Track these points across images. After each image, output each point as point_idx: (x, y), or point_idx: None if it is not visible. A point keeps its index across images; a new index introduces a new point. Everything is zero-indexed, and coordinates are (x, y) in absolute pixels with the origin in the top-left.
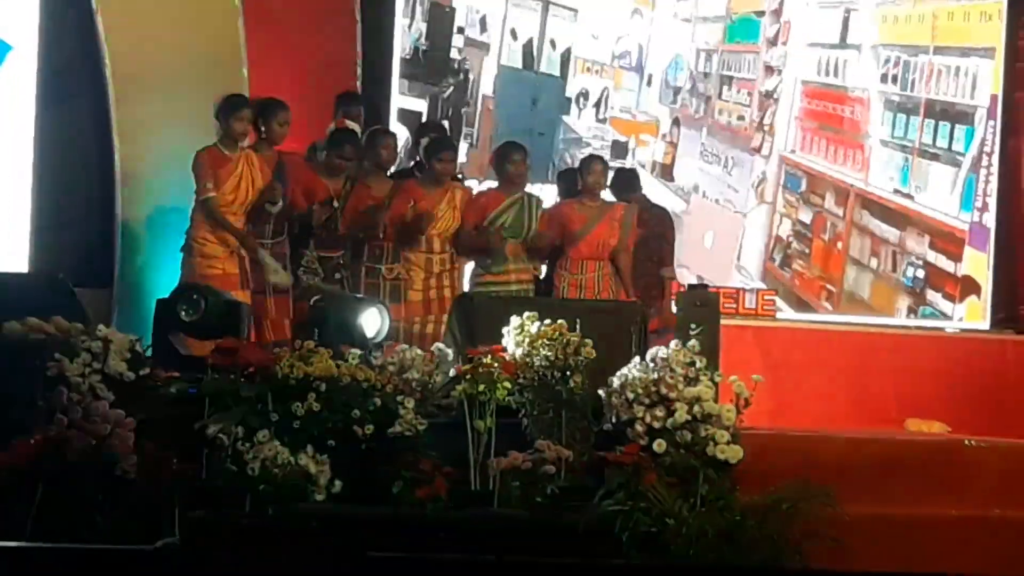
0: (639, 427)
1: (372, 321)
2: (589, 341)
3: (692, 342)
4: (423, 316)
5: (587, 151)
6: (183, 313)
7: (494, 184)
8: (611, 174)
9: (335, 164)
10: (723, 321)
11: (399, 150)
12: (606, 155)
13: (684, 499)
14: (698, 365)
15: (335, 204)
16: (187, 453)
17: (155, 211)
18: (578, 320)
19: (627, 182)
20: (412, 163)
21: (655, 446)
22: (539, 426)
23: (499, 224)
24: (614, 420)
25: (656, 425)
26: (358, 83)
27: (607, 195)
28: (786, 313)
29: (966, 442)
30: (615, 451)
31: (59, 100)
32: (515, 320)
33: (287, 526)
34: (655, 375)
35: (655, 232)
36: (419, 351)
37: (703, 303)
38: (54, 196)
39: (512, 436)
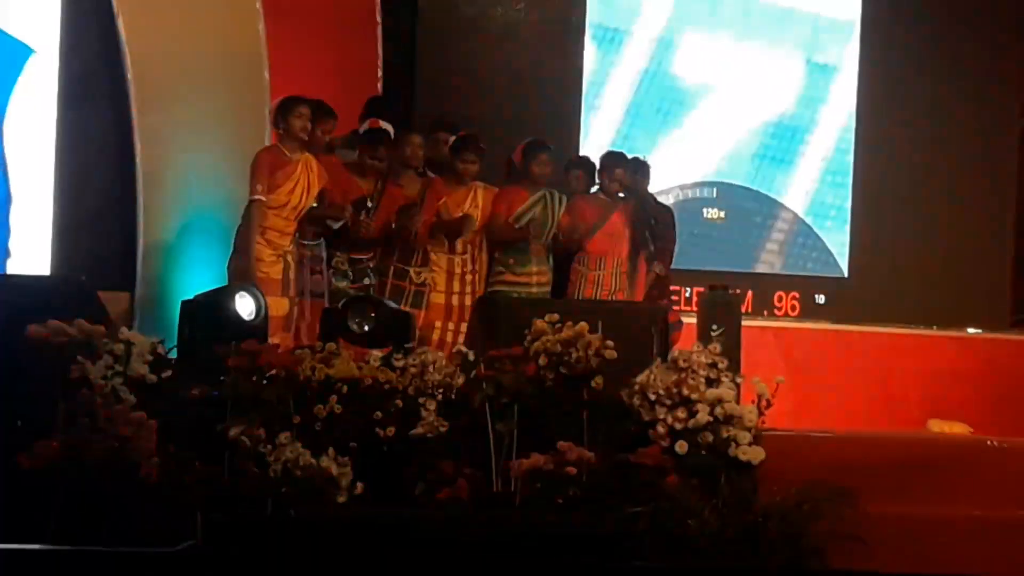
0: (661, 428)
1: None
2: (611, 343)
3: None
4: (443, 322)
5: None
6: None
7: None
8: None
9: (368, 164)
10: (744, 322)
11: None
12: None
13: (706, 500)
14: (720, 366)
15: (368, 204)
16: (209, 455)
17: (177, 214)
18: (600, 321)
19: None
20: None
21: (677, 447)
22: (561, 428)
23: (524, 221)
24: (636, 421)
25: (678, 426)
26: (379, 86)
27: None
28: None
29: (988, 442)
30: (637, 452)
31: (80, 104)
32: (537, 322)
33: (309, 528)
34: (676, 376)
35: (658, 231)
36: (440, 353)
37: (724, 304)
38: (76, 199)
39: (534, 438)
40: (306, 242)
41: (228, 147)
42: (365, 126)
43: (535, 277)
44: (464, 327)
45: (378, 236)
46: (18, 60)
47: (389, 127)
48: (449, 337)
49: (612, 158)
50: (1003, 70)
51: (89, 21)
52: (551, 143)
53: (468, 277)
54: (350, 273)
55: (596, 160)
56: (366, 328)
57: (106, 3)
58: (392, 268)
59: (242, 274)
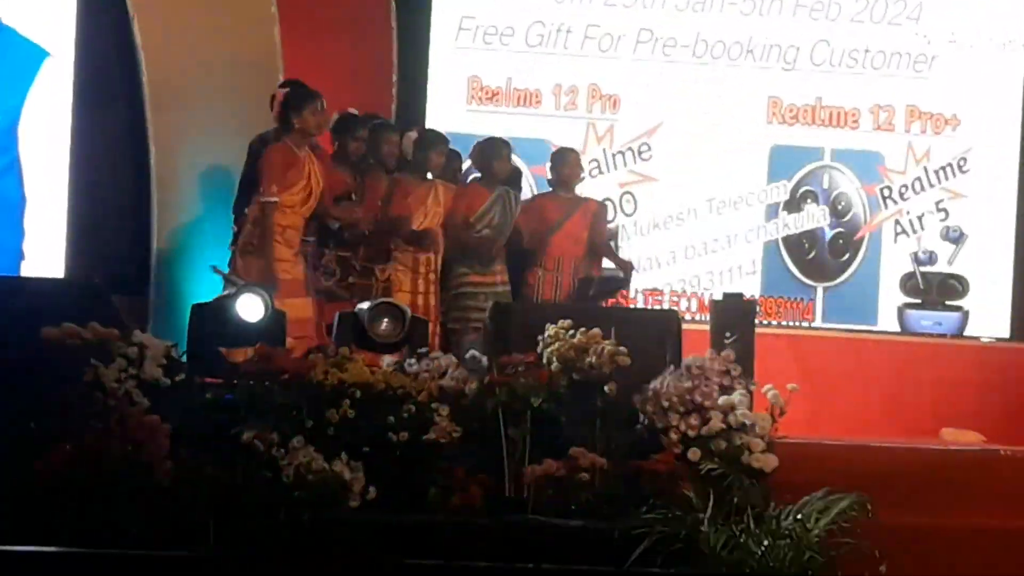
0: (673, 435)
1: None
2: (624, 349)
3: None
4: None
5: None
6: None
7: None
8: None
9: (351, 149)
10: (757, 329)
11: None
12: None
13: (718, 508)
14: (733, 373)
15: (352, 198)
16: (222, 459)
17: (191, 217)
18: (613, 328)
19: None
20: None
21: (689, 455)
22: (573, 434)
23: (486, 221)
24: (649, 428)
25: (691, 433)
26: (394, 90)
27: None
28: (820, 322)
29: (1001, 452)
30: (649, 459)
31: (95, 106)
32: (551, 328)
33: (321, 533)
34: (689, 383)
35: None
36: (453, 358)
37: (737, 311)
38: (90, 202)
39: (546, 444)
40: (308, 239)
41: (242, 150)
42: (335, 116)
43: (498, 277)
44: (432, 327)
45: (371, 232)
46: (33, 63)
47: (354, 112)
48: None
49: (563, 152)
50: None
51: (104, 24)
52: None
53: (431, 276)
54: (337, 271)
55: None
56: (380, 333)
57: (121, 6)
58: (358, 266)
59: (261, 275)
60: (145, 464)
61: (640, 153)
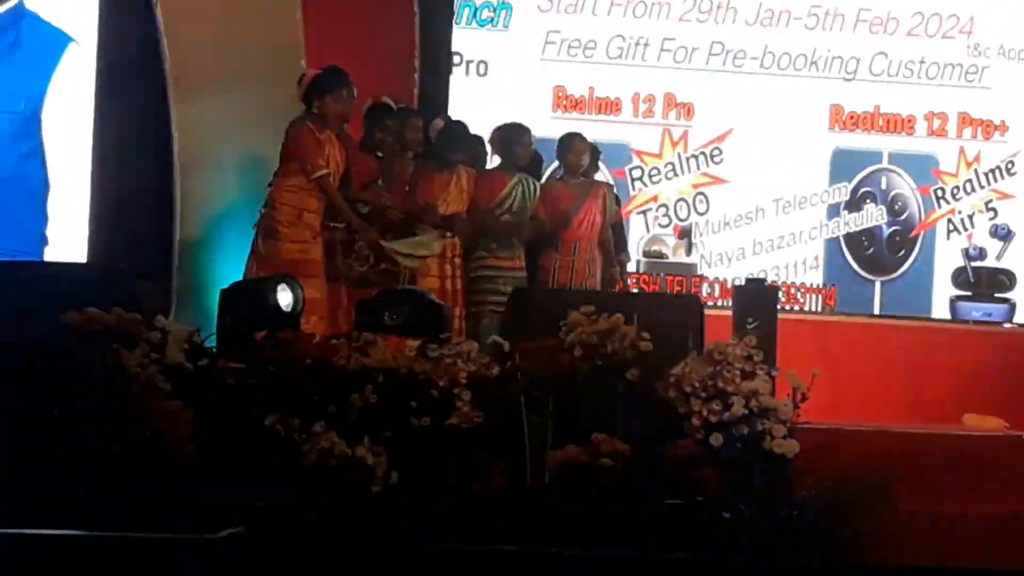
0: (695, 421)
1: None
2: (647, 334)
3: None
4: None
5: None
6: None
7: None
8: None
9: (377, 138)
10: (780, 315)
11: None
12: None
13: (740, 493)
14: (755, 359)
15: (379, 184)
16: (245, 444)
17: (214, 202)
18: (635, 314)
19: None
20: None
21: (711, 440)
22: (595, 420)
23: (506, 207)
24: (671, 414)
25: (713, 419)
26: (416, 75)
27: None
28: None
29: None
30: (672, 445)
31: (119, 92)
32: (573, 313)
33: (343, 517)
34: (712, 369)
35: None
36: (475, 344)
37: (760, 297)
38: (113, 187)
39: (568, 429)
40: (335, 224)
41: (265, 136)
42: (368, 103)
43: (518, 261)
44: (459, 311)
45: (403, 218)
46: (57, 48)
47: (391, 101)
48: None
49: (569, 137)
50: None
51: (127, 9)
52: None
53: (456, 261)
54: (370, 256)
55: None
56: (398, 321)
57: None
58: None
59: (287, 259)
60: (167, 449)
61: (712, 157)
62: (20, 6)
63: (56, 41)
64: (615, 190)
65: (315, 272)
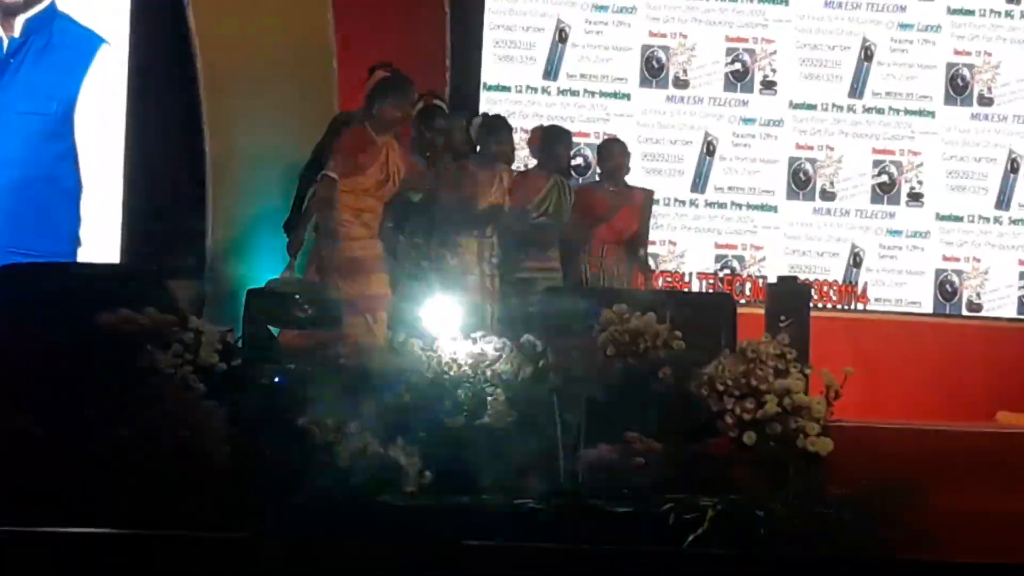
0: (729, 419)
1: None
2: (679, 333)
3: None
4: (483, 304)
5: None
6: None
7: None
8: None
9: (428, 139)
10: (812, 313)
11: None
12: None
13: (774, 492)
14: (788, 357)
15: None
16: (278, 444)
17: (246, 203)
18: (668, 312)
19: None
20: None
21: (745, 438)
22: (628, 419)
23: (543, 209)
24: (704, 412)
25: (746, 417)
26: (447, 75)
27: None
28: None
29: None
30: (705, 443)
31: (150, 93)
32: (606, 312)
33: (377, 517)
34: (744, 367)
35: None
36: (507, 342)
37: (792, 294)
38: (146, 188)
39: (601, 428)
40: (387, 224)
41: (296, 136)
42: (420, 104)
43: (554, 263)
44: (499, 309)
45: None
46: (89, 50)
47: (442, 103)
48: (490, 321)
49: (610, 143)
50: None
51: (159, 10)
52: None
53: (494, 260)
54: (412, 255)
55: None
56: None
57: None
58: (430, 252)
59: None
60: (202, 449)
61: None
62: (52, 8)
63: (88, 42)
64: (652, 193)
65: (379, 268)
